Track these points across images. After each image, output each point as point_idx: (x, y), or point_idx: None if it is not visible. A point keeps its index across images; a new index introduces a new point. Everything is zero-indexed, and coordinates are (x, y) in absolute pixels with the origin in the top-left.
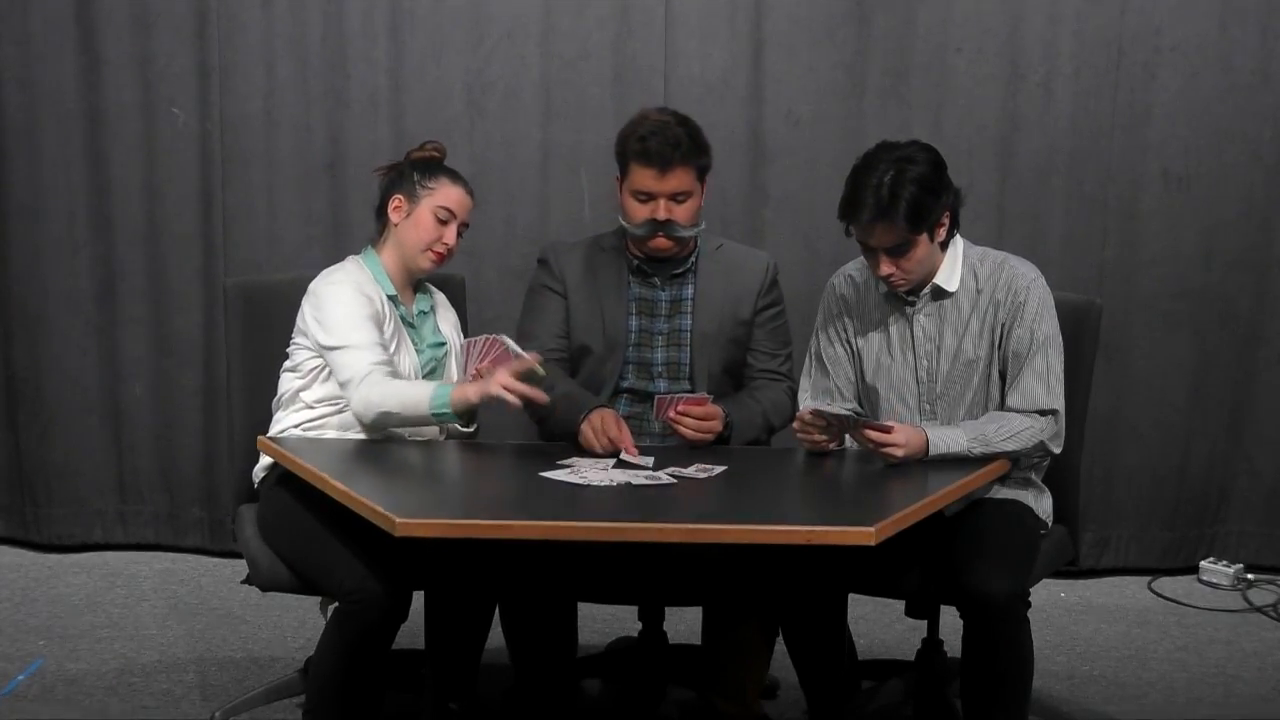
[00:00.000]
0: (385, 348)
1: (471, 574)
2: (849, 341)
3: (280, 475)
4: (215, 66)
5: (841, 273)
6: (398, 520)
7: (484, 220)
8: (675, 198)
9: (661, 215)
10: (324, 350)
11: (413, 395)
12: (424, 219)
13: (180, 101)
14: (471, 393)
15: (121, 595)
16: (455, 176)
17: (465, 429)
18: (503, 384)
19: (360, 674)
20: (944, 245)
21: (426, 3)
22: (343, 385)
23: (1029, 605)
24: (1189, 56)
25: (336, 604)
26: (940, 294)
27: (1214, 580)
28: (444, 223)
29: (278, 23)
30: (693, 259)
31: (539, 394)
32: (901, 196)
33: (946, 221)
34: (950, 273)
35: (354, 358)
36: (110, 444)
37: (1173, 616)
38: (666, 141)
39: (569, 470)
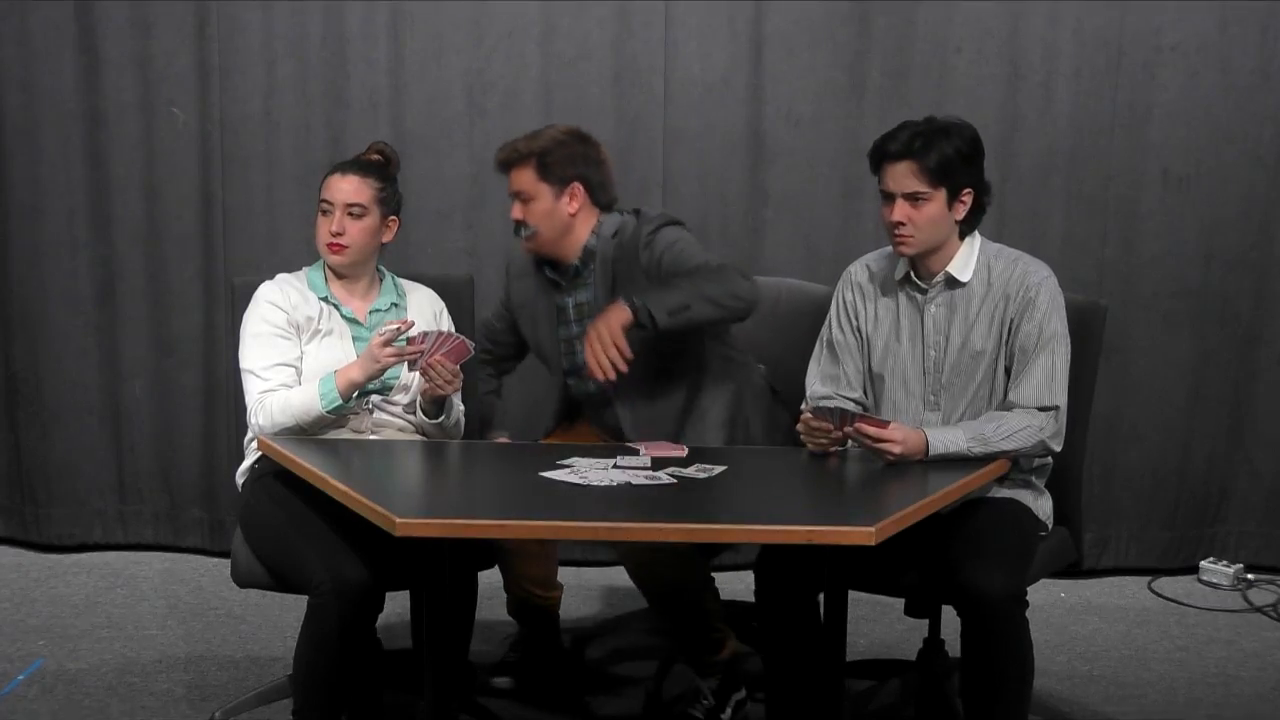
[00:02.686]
0: (289, 363)
1: (454, 571)
2: (860, 329)
3: (258, 474)
4: (215, 66)
5: (858, 262)
6: (398, 520)
7: (484, 220)
8: (518, 197)
9: (514, 215)
10: None
11: (303, 402)
12: (316, 221)
13: (180, 101)
14: (355, 372)
15: (121, 595)
16: (343, 168)
17: (433, 420)
18: (375, 350)
19: (337, 668)
20: (962, 234)
21: (426, 3)
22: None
23: (1026, 605)
24: (1189, 56)
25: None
26: (953, 283)
27: (1214, 580)
28: (325, 214)
29: (278, 23)
30: (577, 263)
31: (410, 350)
32: (935, 146)
33: (969, 201)
34: (965, 264)
35: (249, 384)
36: (110, 444)
37: (1173, 616)
38: (504, 149)
39: (569, 470)
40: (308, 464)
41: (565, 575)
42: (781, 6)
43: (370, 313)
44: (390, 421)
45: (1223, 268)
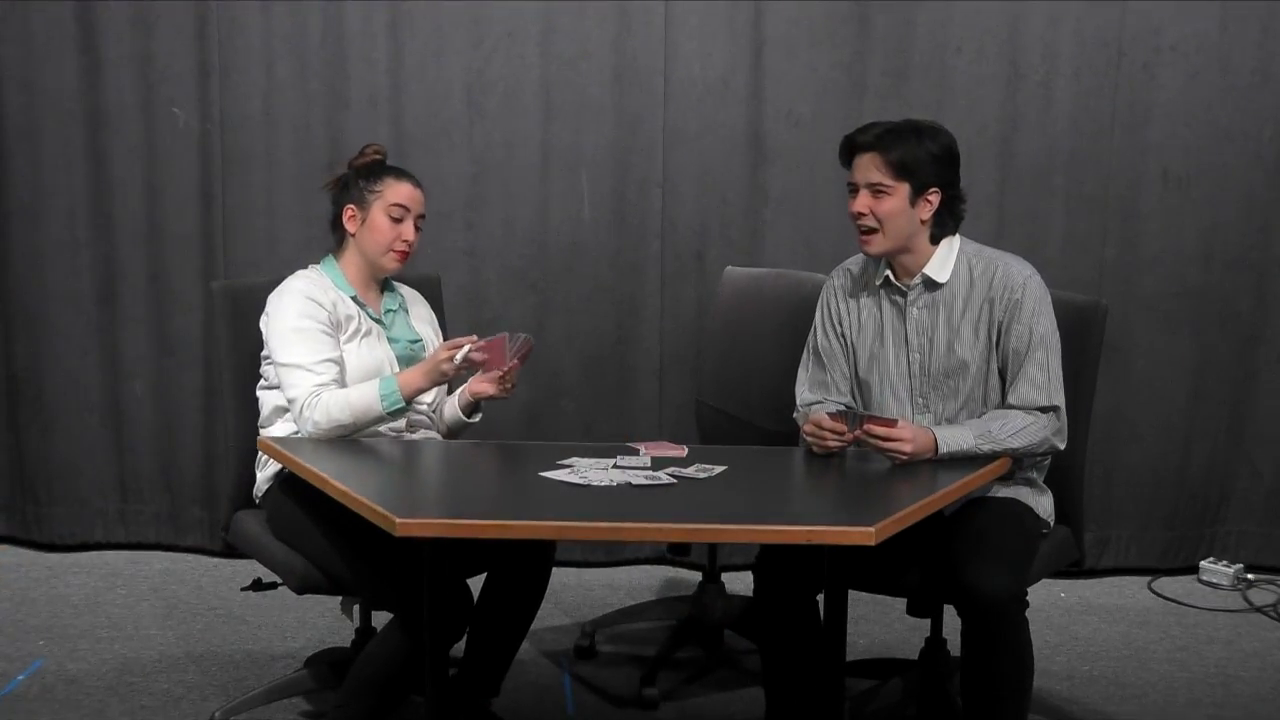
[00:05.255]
0: (335, 360)
1: (527, 564)
2: (844, 335)
3: (289, 478)
4: (215, 66)
5: (840, 267)
6: (398, 520)
7: (484, 220)
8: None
9: None
10: (276, 365)
11: (362, 401)
12: (378, 221)
13: (180, 101)
14: (419, 378)
15: (121, 595)
16: (400, 173)
17: (469, 419)
18: (444, 364)
19: (409, 680)
20: (933, 238)
21: (426, 3)
22: (290, 404)
23: (1027, 605)
24: (1189, 56)
25: (359, 602)
26: (932, 284)
27: (1214, 580)
28: (398, 220)
29: (278, 23)
30: None
31: (476, 360)
32: (903, 142)
33: (935, 201)
34: (942, 264)
35: (298, 379)
36: (110, 444)
37: (1173, 616)
38: None
39: (569, 470)
40: (308, 464)
41: (566, 575)
42: (781, 6)
43: (385, 312)
44: (421, 420)
45: (1223, 268)
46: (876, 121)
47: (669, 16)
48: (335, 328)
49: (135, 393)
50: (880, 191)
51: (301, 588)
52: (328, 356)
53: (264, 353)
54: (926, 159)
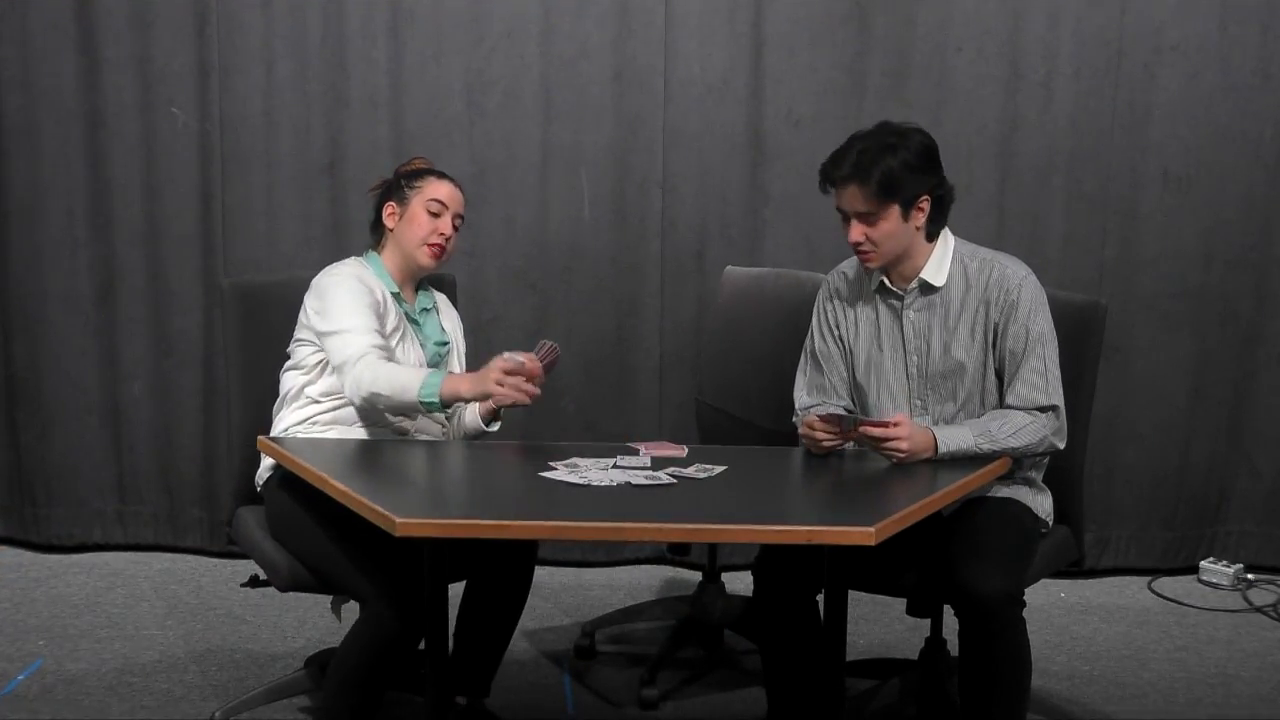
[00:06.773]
0: (384, 335)
1: (510, 566)
2: (841, 338)
3: (286, 474)
4: (215, 66)
5: (836, 270)
6: (398, 520)
7: (484, 220)
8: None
9: None
10: (320, 336)
11: (404, 380)
12: (417, 215)
13: (180, 101)
14: (464, 387)
15: (121, 595)
16: (442, 174)
17: (488, 428)
18: (496, 379)
19: (387, 674)
20: (929, 237)
21: (426, 3)
22: (338, 368)
23: (1024, 605)
24: (1189, 56)
25: (349, 602)
26: (928, 288)
27: (1214, 580)
28: (436, 215)
29: (278, 23)
30: None
31: (531, 390)
32: (879, 164)
33: (926, 207)
34: (938, 267)
35: (350, 340)
36: (110, 444)
37: (1173, 616)
38: None
39: (569, 470)
40: (308, 464)
41: (565, 575)
42: (781, 6)
43: (419, 311)
44: (429, 426)
45: (1223, 268)
46: (846, 147)
47: (669, 16)
48: (379, 317)
49: (134, 393)
50: (871, 217)
51: (286, 585)
52: (377, 329)
53: (297, 330)
54: (905, 171)
